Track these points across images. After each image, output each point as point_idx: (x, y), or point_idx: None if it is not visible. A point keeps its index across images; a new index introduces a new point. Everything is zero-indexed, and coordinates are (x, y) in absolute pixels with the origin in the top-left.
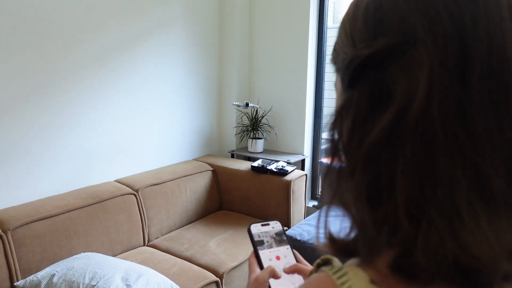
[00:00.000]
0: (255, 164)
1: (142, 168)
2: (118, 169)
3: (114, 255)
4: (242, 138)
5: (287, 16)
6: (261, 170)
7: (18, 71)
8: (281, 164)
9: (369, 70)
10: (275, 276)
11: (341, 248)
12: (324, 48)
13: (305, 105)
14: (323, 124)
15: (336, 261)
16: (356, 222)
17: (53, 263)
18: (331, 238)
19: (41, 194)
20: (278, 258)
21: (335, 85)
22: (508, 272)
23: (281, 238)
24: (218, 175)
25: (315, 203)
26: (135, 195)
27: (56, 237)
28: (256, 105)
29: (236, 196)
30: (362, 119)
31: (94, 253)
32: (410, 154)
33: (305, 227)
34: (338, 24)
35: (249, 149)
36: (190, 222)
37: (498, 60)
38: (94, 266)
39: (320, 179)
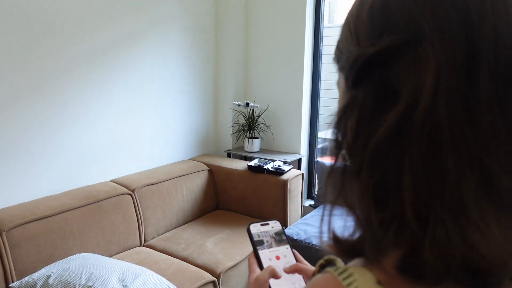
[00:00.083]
0: (252, 163)
1: (138, 168)
2: (114, 169)
3: (110, 256)
4: (239, 138)
5: (284, 15)
6: (258, 169)
7: (13, 70)
8: (277, 163)
9: (374, 68)
10: (275, 276)
11: (345, 248)
12: (321, 47)
13: (301, 105)
14: (319, 123)
15: (340, 262)
16: (361, 222)
17: (48, 264)
18: (335, 238)
19: (36, 195)
20: (277, 258)
21: (338, 84)
22: None
23: (280, 238)
24: (215, 175)
25: (312, 202)
26: (131, 195)
27: (52, 238)
28: (256, 105)
29: (233, 195)
30: (367, 118)
31: (90, 254)
32: (417, 153)
33: (301, 227)
34: (333, 24)
35: (246, 149)
36: (187, 222)
37: (506, 58)
38: (90, 267)
39: (316, 178)
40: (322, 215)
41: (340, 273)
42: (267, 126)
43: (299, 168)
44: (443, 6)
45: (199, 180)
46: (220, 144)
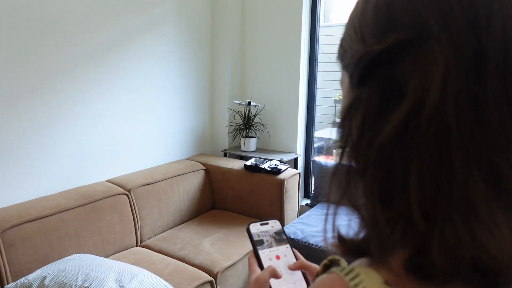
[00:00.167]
0: (248, 163)
1: (134, 168)
2: (109, 169)
3: (106, 256)
4: (235, 137)
5: (280, 15)
6: (254, 169)
7: (8, 72)
8: (274, 162)
9: (379, 67)
10: (276, 275)
11: (350, 248)
12: (317, 47)
13: (297, 104)
14: (315, 123)
15: (344, 262)
16: (366, 222)
17: (44, 265)
18: (340, 238)
19: (31, 195)
20: (278, 257)
21: (341, 82)
22: None
23: (280, 237)
24: (211, 174)
25: (308, 201)
26: (127, 195)
27: (47, 238)
28: (258, 104)
29: (229, 195)
30: (372, 117)
31: (86, 254)
32: (424, 152)
33: (298, 226)
34: (328, 23)
35: (242, 148)
36: (183, 222)
37: None
38: (86, 268)
39: (312, 177)
40: (326, 215)
41: (347, 274)
42: (263, 125)
43: (295, 167)
44: (450, 3)
45: (196, 179)
46: (217, 144)
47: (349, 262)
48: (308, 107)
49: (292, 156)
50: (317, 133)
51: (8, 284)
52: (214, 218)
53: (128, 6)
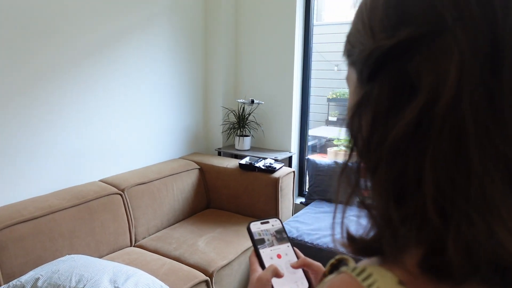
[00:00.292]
0: (243, 161)
1: (128, 167)
2: (103, 169)
3: (100, 257)
4: (229, 136)
5: (273, 13)
6: (249, 167)
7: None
8: (268, 161)
9: (391, 62)
10: (277, 275)
11: (361, 247)
12: (310, 45)
13: (292, 102)
14: (309, 121)
15: (352, 262)
16: (377, 220)
17: (37, 267)
18: (349, 237)
19: (23, 196)
20: (279, 256)
21: (348, 79)
22: None
23: (281, 236)
24: (205, 173)
25: (303, 199)
26: (121, 195)
27: (40, 239)
28: (261, 102)
29: (224, 194)
30: (383, 114)
31: (80, 255)
32: (439, 149)
33: (293, 224)
34: (321, 22)
35: (236, 147)
36: (178, 222)
37: None
38: (80, 269)
39: (306, 175)
40: (334, 214)
41: (359, 274)
42: (257, 124)
43: (289, 165)
44: None
45: (190, 179)
46: (211, 143)
47: (356, 262)
48: (302, 106)
49: (287, 155)
50: (310, 132)
51: (0, 286)
52: (209, 217)
53: (120, 4)
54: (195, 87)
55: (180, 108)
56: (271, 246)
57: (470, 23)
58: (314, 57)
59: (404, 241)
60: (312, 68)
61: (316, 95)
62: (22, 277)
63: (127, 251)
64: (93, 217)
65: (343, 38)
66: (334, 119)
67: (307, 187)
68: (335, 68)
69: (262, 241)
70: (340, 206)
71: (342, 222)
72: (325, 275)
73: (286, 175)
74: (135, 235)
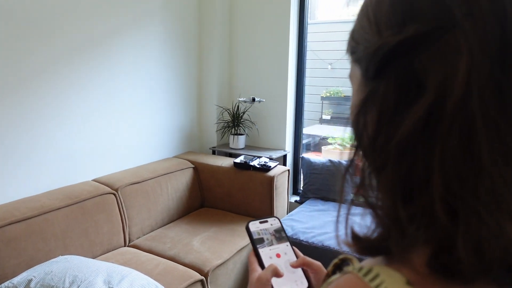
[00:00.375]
0: (238, 160)
1: (121, 167)
2: (96, 168)
3: (94, 257)
4: (223, 135)
5: (268, 11)
6: (244, 166)
7: None
8: (263, 160)
9: (397, 58)
10: (277, 274)
11: (366, 246)
12: (305, 44)
13: (286, 101)
14: (304, 120)
15: (356, 261)
16: (383, 219)
17: (29, 268)
18: (354, 236)
19: (14, 196)
20: (278, 255)
21: (351, 77)
22: None
23: (280, 235)
24: (200, 172)
25: (297, 198)
26: (114, 194)
27: (33, 240)
28: (262, 99)
29: (219, 193)
30: (390, 112)
31: (73, 256)
32: (447, 146)
33: (288, 223)
34: (314, 20)
35: (231, 146)
36: (172, 221)
37: None
38: (74, 270)
39: (301, 174)
40: (338, 213)
41: (365, 274)
42: (252, 122)
43: (284, 164)
44: None
45: (184, 178)
46: (205, 141)
47: (359, 262)
48: (297, 104)
49: (281, 153)
50: (305, 130)
51: None
52: (203, 217)
53: (113, 2)
54: (189, 85)
55: (174, 107)
56: (270, 245)
57: (479, 19)
58: (308, 55)
59: (412, 240)
60: (307, 66)
61: (310, 93)
62: (14, 278)
63: (121, 251)
64: (87, 217)
65: (336, 37)
66: (328, 117)
67: (301, 185)
68: (329, 66)
69: (261, 240)
70: (344, 205)
71: (346, 221)
72: (328, 275)
73: (280, 174)
74: (129, 235)
